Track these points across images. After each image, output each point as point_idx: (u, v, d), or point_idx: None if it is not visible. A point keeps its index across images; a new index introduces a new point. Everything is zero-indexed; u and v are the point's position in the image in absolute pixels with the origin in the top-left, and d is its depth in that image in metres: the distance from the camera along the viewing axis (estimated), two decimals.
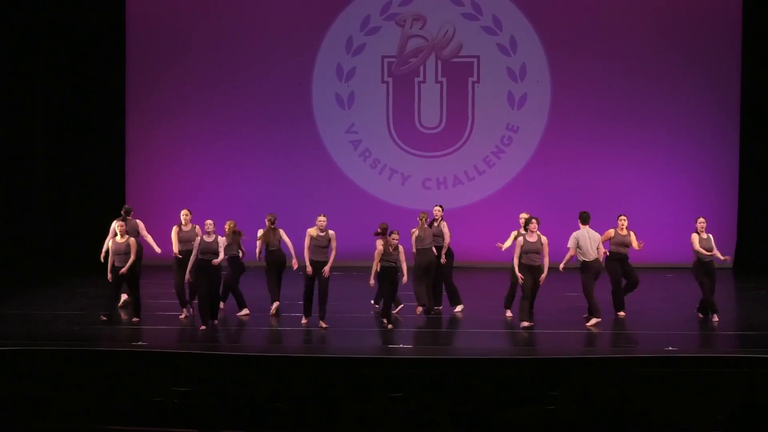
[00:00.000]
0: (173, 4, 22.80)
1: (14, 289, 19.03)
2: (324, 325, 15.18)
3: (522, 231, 15.94)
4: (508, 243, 16.46)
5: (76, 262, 21.03)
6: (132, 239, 15.85)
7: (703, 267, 15.77)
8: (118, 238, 15.77)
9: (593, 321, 15.71)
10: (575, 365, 13.30)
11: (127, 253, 15.62)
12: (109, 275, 15.66)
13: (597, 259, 15.98)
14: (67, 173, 22.44)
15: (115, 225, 16.45)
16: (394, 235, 15.27)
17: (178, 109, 22.78)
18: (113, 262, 15.64)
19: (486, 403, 12.30)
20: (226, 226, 16.69)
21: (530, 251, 15.37)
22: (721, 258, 15.95)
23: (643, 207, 21.96)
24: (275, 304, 16.65)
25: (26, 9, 21.50)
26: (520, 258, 15.40)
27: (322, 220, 15.55)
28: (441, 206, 16.76)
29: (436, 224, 16.53)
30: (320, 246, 15.38)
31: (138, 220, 17.60)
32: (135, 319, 15.76)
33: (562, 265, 15.98)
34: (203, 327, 14.97)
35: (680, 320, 16.03)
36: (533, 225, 15.44)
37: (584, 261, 15.95)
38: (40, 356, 13.46)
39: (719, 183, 22.17)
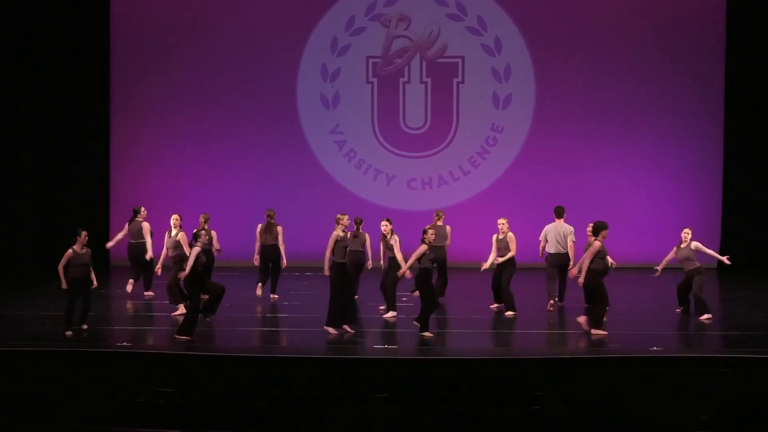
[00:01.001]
0: (158, 7, 22.71)
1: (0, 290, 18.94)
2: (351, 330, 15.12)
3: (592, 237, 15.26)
4: (490, 259, 16.54)
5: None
6: (89, 250, 15.05)
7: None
8: (77, 247, 14.83)
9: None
10: (560, 366, 13.30)
11: (87, 265, 14.88)
12: (65, 284, 14.72)
13: (562, 254, 16.61)
14: (52, 176, 22.34)
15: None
16: (431, 231, 14.92)
17: (163, 112, 22.73)
18: (71, 273, 14.70)
19: (473, 403, 12.28)
20: (201, 219, 16.96)
21: (606, 255, 15.03)
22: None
23: (627, 207, 22.03)
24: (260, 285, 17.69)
25: (10, 12, 21.36)
26: (592, 262, 14.71)
27: (347, 218, 15.29)
28: (389, 220, 16.71)
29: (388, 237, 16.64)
30: (345, 246, 15.10)
31: (145, 222, 17.75)
32: (85, 327, 14.95)
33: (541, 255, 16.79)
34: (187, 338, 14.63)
35: (665, 321, 16.05)
36: (606, 232, 14.95)
37: (548, 253, 16.60)
38: (26, 357, 13.39)
39: (703, 183, 22.24)
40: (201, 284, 14.61)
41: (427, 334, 14.71)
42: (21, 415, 12.39)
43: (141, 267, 17.91)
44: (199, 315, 14.76)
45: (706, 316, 15.90)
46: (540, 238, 16.71)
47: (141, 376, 13.07)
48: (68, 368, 13.25)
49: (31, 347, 13.71)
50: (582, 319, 14.96)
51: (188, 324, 14.49)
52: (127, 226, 18.01)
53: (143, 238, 17.75)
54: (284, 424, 12.10)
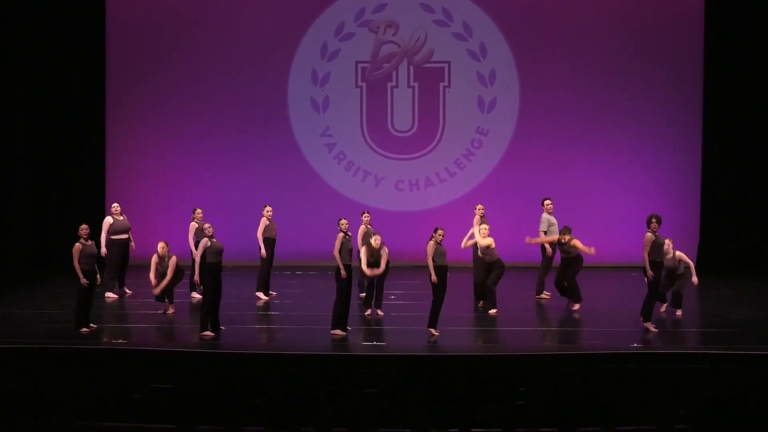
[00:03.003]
0: (153, 11, 22.66)
1: None
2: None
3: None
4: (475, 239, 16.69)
5: (58, 262, 20.91)
6: (93, 242, 15.23)
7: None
8: (83, 240, 14.99)
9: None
10: (544, 362, 13.33)
11: (95, 256, 15.10)
12: (84, 279, 14.77)
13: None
14: (48, 174, 22.23)
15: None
16: (440, 231, 14.93)
17: (158, 113, 22.65)
18: (83, 267, 14.81)
19: (459, 398, 12.29)
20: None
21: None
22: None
23: (608, 208, 22.07)
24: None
25: (5, 12, 21.22)
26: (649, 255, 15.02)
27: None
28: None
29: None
30: (350, 249, 15.30)
31: (107, 217, 18.05)
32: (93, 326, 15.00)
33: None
34: (209, 333, 14.63)
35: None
36: (656, 224, 15.20)
37: None
38: (24, 354, 13.37)
39: (683, 184, 22.27)
40: (214, 277, 14.57)
41: (434, 331, 14.74)
42: (19, 412, 12.34)
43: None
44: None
45: (679, 312, 16.00)
46: None
47: (136, 372, 13.07)
48: (65, 365, 13.23)
49: (28, 345, 13.69)
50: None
51: (203, 320, 14.55)
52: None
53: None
54: (275, 420, 12.08)
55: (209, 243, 14.60)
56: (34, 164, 21.96)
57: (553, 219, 17.75)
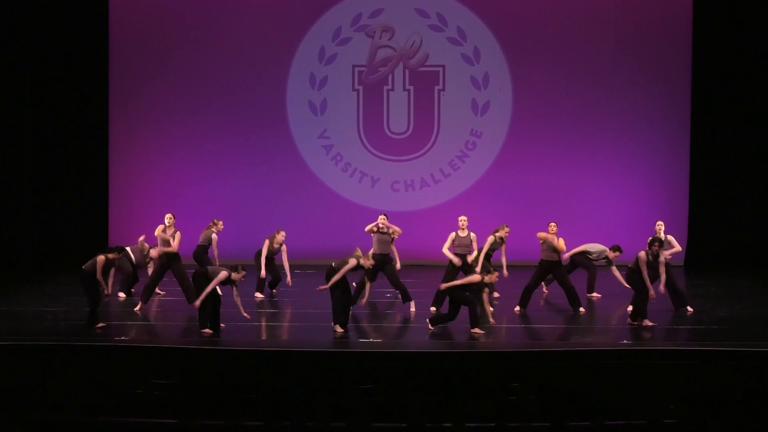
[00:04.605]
0: (154, 14, 22.63)
1: (0, 287, 18.82)
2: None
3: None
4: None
5: (61, 261, 20.89)
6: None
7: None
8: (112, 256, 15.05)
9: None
10: (536, 358, 13.33)
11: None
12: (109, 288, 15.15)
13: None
14: (51, 174, 22.24)
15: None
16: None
17: (160, 115, 22.63)
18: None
19: (453, 394, 12.29)
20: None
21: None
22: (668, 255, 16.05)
23: (599, 208, 22.08)
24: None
25: (10, 12, 21.19)
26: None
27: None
28: (385, 215, 16.77)
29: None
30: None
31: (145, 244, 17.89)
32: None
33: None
34: (209, 330, 14.64)
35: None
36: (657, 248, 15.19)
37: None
38: (28, 351, 13.35)
39: (671, 184, 22.30)
40: (207, 280, 14.56)
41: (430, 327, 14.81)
42: (23, 408, 12.33)
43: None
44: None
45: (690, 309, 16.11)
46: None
47: (137, 368, 13.05)
48: (68, 362, 13.21)
49: (33, 342, 13.67)
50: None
51: (203, 317, 14.54)
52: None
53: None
54: (274, 415, 12.08)
55: (227, 275, 14.53)
56: (37, 165, 21.96)
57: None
